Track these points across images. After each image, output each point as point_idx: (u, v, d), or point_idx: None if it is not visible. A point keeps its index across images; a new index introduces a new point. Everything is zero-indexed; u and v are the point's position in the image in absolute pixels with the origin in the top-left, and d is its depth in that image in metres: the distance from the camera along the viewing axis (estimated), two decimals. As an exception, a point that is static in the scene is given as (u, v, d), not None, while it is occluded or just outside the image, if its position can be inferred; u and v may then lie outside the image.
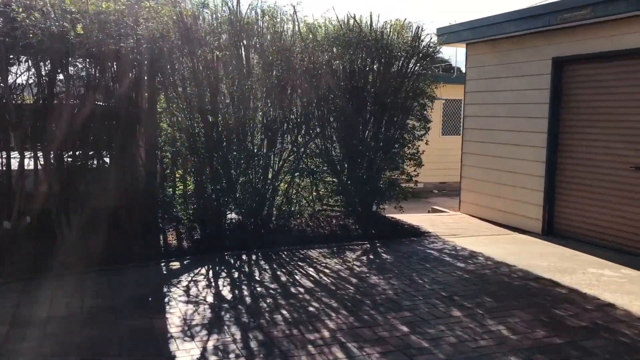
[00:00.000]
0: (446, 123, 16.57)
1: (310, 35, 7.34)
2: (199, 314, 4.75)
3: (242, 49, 7.09)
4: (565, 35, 7.71)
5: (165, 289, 5.41)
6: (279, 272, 6.01)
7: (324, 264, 6.34)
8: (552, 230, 8.13)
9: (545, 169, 8.08)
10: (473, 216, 9.53)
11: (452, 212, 10.12)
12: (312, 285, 5.58)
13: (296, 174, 7.81)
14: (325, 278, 5.85)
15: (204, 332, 4.37)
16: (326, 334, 4.36)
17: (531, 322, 4.66)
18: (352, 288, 5.52)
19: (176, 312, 4.78)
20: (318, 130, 7.77)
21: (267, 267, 6.20)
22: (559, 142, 8.00)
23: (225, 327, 4.47)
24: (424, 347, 4.15)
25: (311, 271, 6.07)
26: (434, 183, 16.63)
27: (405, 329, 4.48)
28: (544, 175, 8.11)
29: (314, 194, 8.22)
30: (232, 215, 7.65)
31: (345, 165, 8.01)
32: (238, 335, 4.31)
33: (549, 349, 4.13)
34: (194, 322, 4.55)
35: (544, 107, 8.08)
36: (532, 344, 4.22)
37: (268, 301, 5.09)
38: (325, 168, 8.04)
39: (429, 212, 10.68)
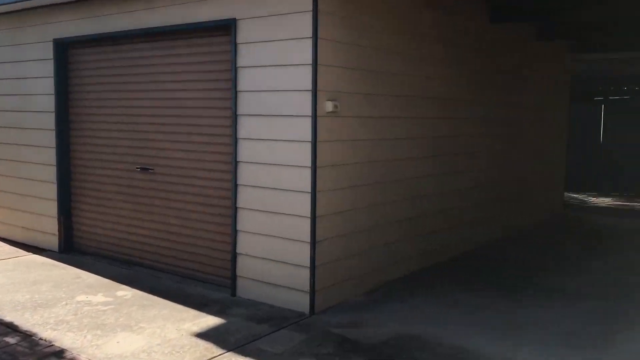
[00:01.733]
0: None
1: None
2: None
3: None
4: (66, 13, 6.43)
5: None
6: None
7: None
8: (72, 246, 6.82)
9: (57, 174, 6.70)
10: (-10, 236, 7.59)
11: (-34, 232, 7.94)
12: None
13: None
14: None
15: None
16: None
17: None
18: None
19: None
20: None
21: None
22: (71, 140, 6.72)
23: None
24: None
25: None
26: None
27: None
28: (56, 182, 6.73)
29: None
30: None
31: None
32: None
33: None
34: None
35: (50, 99, 6.68)
36: None
37: None
38: None
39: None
